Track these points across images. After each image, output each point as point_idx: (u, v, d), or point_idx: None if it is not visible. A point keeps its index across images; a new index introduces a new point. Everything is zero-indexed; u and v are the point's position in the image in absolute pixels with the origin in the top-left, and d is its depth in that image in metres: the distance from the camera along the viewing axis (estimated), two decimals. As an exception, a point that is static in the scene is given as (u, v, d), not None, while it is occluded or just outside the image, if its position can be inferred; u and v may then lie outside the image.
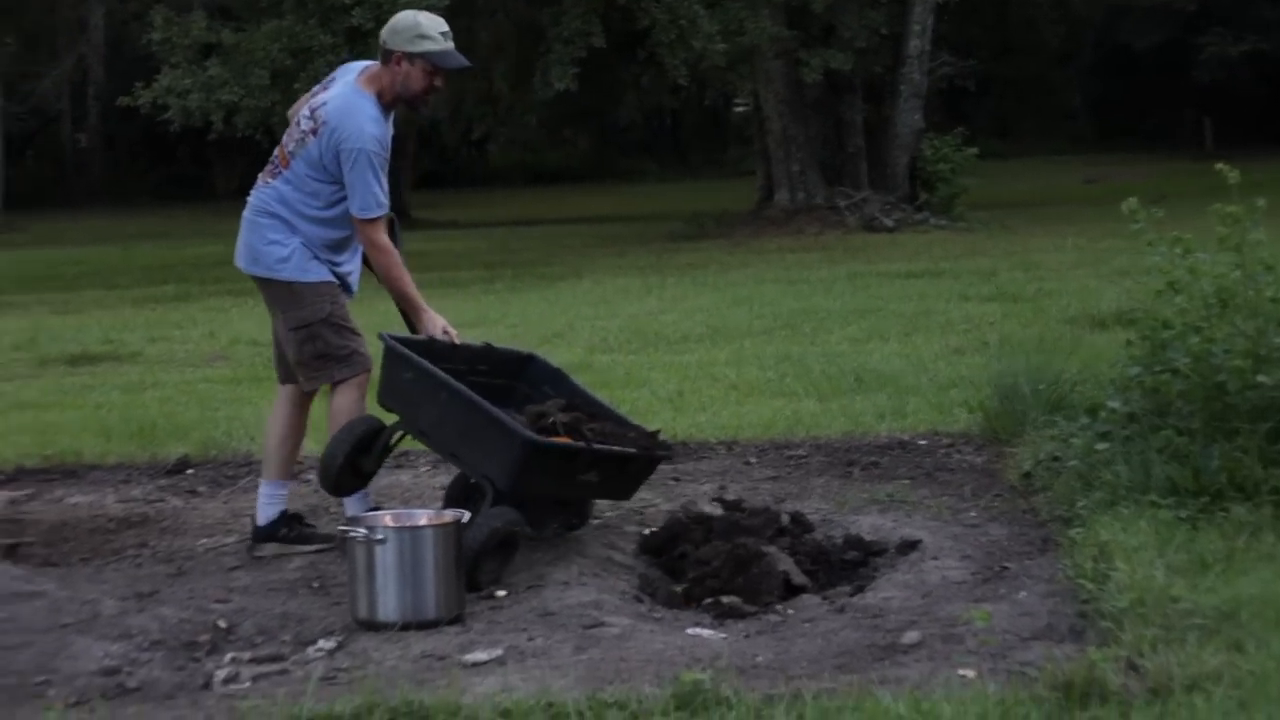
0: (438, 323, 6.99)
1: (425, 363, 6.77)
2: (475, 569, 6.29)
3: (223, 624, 6.06)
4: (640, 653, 5.50)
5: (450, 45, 6.94)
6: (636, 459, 6.91)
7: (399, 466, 8.67)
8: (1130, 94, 50.46)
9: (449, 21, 7.04)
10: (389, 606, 5.92)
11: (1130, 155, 43.70)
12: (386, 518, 6.22)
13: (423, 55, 6.85)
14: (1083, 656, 4.99)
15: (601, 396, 7.59)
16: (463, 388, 6.67)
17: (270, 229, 6.97)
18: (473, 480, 6.87)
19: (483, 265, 23.49)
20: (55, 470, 9.19)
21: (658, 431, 7.27)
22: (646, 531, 7.18)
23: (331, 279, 7.02)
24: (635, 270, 20.99)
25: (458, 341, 7.04)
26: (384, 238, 6.90)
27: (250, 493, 8.47)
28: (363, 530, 5.94)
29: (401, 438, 7.05)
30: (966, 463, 8.56)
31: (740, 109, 48.42)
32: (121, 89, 24.80)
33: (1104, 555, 5.94)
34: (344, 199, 6.87)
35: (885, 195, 27.88)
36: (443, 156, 54.06)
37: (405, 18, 6.96)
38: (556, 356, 12.60)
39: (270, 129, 24.59)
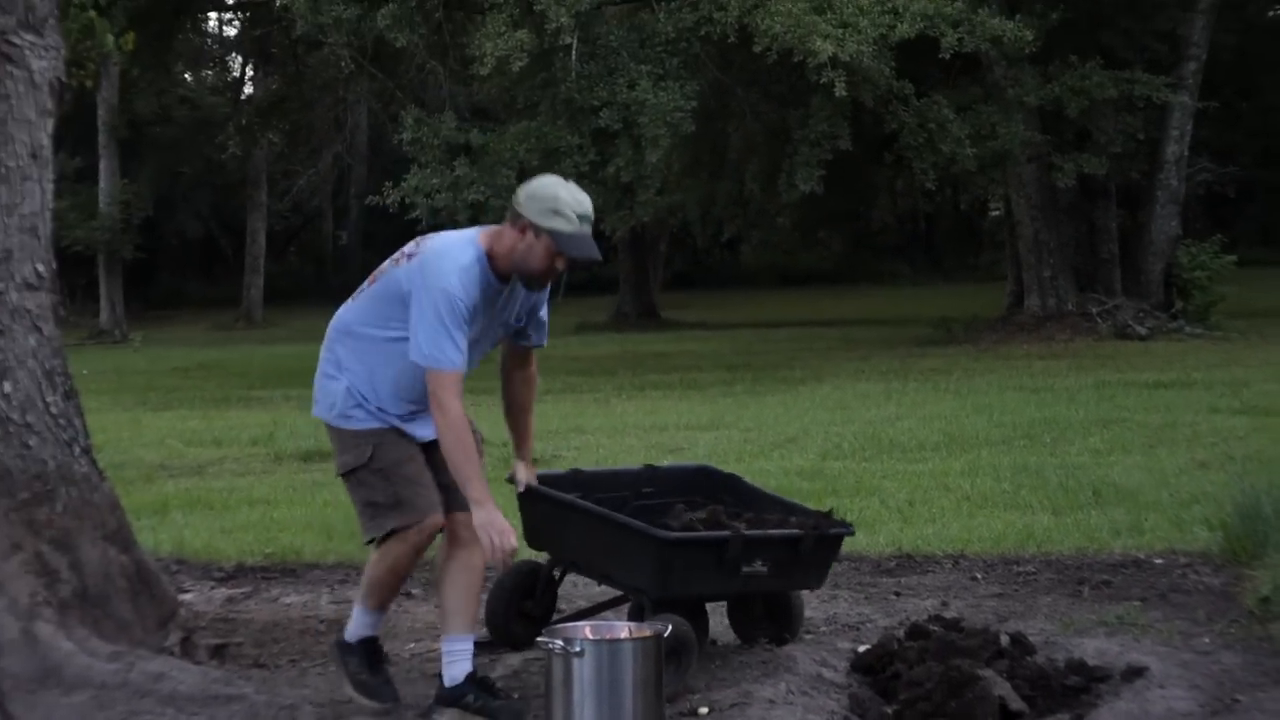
0: (494, 523, 5.88)
1: (552, 491, 6.73)
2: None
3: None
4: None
5: (586, 231, 6.07)
6: (804, 539, 6.62)
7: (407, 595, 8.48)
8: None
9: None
10: None
11: (1400, 265, 42.34)
12: (586, 629, 6.04)
13: (550, 232, 5.99)
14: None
15: (782, 494, 7.41)
16: (592, 505, 6.61)
17: (328, 363, 6.28)
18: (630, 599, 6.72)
19: (725, 367, 23.41)
20: (274, 569, 9.19)
21: (830, 510, 7.06)
22: (860, 649, 6.94)
23: (381, 426, 6.17)
24: (877, 375, 20.74)
25: (509, 554, 5.94)
26: (452, 399, 5.91)
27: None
28: (560, 642, 5.76)
29: (563, 573, 6.96)
30: (1203, 584, 8.19)
31: (994, 213, 47.93)
32: (381, 188, 25.25)
33: (1341, 691, 5.59)
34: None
35: (1139, 302, 27.28)
36: (694, 257, 54.32)
37: (547, 185, 6.14)
38: (789, 462, 12.59)
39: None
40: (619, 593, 6.92)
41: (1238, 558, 8.38)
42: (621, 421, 15.37)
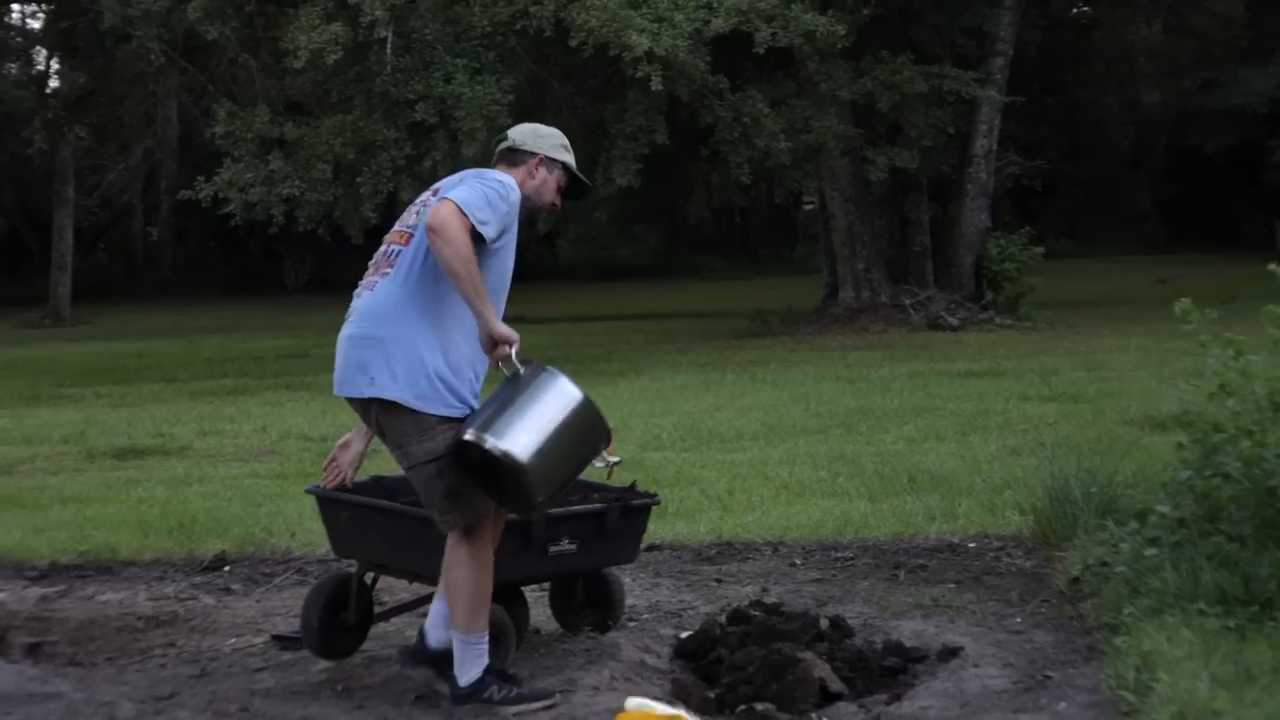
0: (500, 333, 5.92)
1: (355, 496, 6.77)
2: None
3: (240, 728, 5.92)
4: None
5: None
6: (608, 513, 6.66)
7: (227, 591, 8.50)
8: (1201, 196, 50.19)
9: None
10: None
11: (1201, 257, 43.37)
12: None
13: (564, 166, 6.32)
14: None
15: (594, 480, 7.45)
16: (391, 504, 6.66)
17: (394, 343, 5.93)
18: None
19: (543, 360, 23.31)
20: (89, 566, 9.07)
21: (633, 484, 7.12)
22: (682, 635, 7.02)
23: (460, 414, 5.99)
24: (695, 367, 20.85)
25: (514, 355, 5.97)
26: (465, 238, 5.77)
27: (285, 590, 8.39)
28: None
29: (374, 579, 6.94)
30: (1015, 567, 8.37)
31: (808, 207, 48.40)
32: (193, 183, 24.89)
33: (1147, 665, 5.74)
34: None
35: (950, 294, 27.70)
36: (512, 252, 53.98)
37: (543, 127, 6.44)
38: (608, 454, 12.60)
39: (333, 223, 24.72)
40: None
41: (1048, 540, 8.55)
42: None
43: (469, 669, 6.04)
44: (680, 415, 15.13)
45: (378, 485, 7.11)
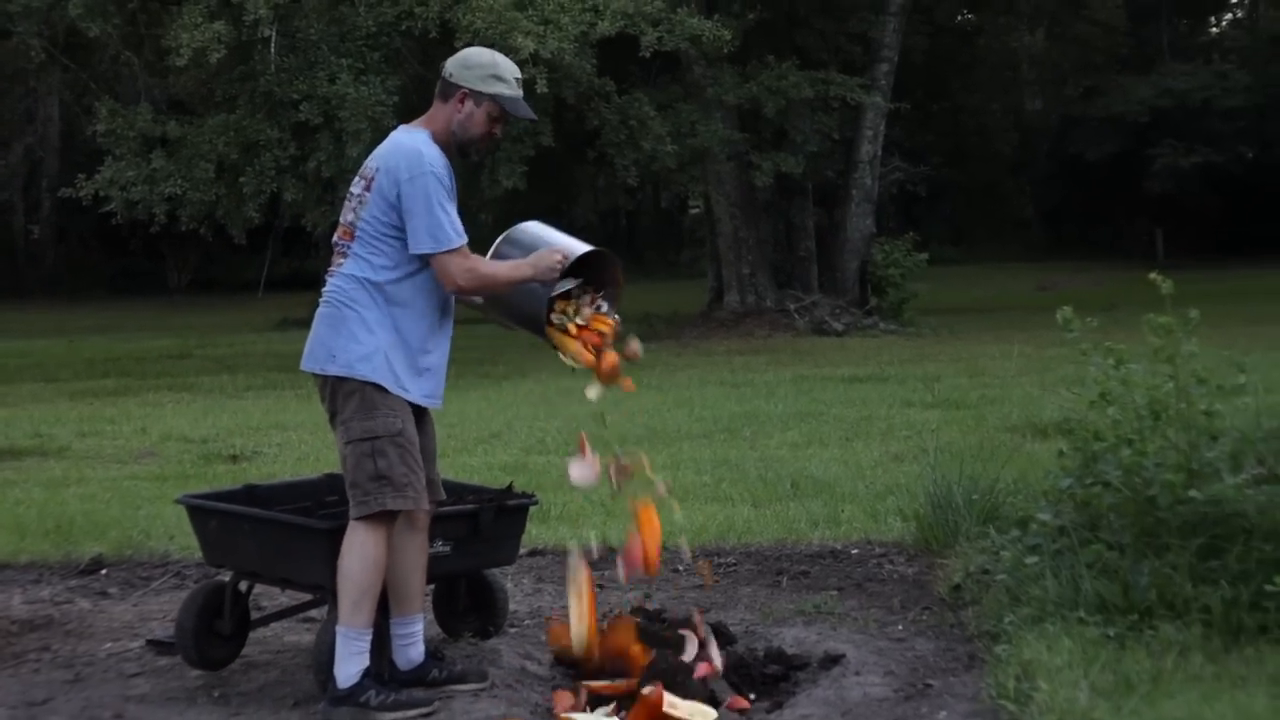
0: (546, 258, 6.18)
1: (221, 504, 6.75)
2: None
3: (114, 736, 5.82)
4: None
5: (521, 92, 6.36)
6: (481, 513, 6.62)
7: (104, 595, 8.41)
8: (1084, 203, 50.71)
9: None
10: None
11: (1083, 263, 43.84)
12: None
13: (492, 97, 6.22)
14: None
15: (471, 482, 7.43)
16: (258, 511, 6.61)
17: (353, 320, 6.03)
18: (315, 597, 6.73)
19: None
20: (-37, 570, 8.93)
21: (509, 485, 7.10)
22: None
23: (408, 400, 6.12)
24: (579, 371, 20.78)
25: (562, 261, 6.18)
26: (480, 264, 6.10)
27: (163, 594, 8.28)
28: None
29: (249, 588, 6.86)
30: (898, 573, 8.38)
31: (694, 211, 48.46)
32: (74, 181, 24.58)
33: (1027, 674, 5.76)
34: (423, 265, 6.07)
35: (835, 299, 27.85)
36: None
37: (480, 54, 6.32)
38: (493, 457, 12.58)
39: (216, 222, 24.48)
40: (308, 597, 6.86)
41: (931, 547, 8.58)
42: (324, 418, 15.07)
43: (347, 666, 5.97)
44: (564, 419, 15.08)
45: (249, 493, 7.02)
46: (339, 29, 23.18)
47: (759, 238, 28.30)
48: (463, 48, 6.33)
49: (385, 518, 6.01)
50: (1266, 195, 45.96)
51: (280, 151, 23.03)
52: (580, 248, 6.34)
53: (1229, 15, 57.60)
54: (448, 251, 6.01)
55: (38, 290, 46.53)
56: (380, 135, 23.17)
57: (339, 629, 6.00)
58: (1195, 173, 44.22)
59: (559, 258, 6.17)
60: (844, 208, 28.76)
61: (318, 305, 6.22)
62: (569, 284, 6.39)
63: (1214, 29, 56.55)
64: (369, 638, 6.03)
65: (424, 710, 5.97)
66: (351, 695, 5.96)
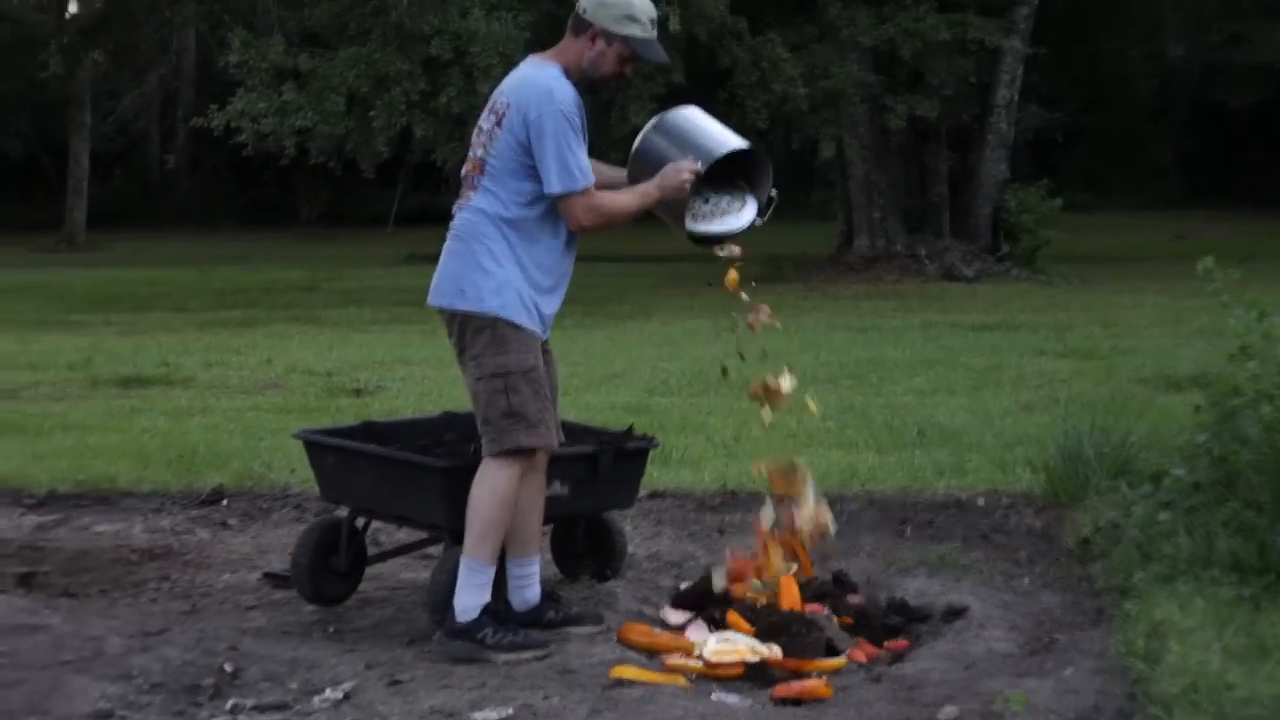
0: (673, 173, 6.14)
1: (338, 440, 6.71)
2: None
3: (229, 668, 5.79)
4: (659, 719, 5.19)
5: (655, 34, 6.16)
6: (601, 455, 6.51)
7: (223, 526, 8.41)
8: (1223, 152, 49.82)
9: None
10: None
11: (1221, 214, 43.02)
12: None
13: (624, 38, 6.06)
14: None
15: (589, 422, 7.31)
16: (375, 447, 6.55)
17: (483, 255, 5.97)
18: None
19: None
20: (87, 496, 8.97)
21: (630, 427, 6.99)
22: (682, 586, 6.86)
23: (539, 333, 6.08)
24: (705, 312, 20.60)
25: (699, 168, 6.16)
26: (605, 202, 6.05)
27: (282, 527, 8.27)
28: None
29: (365, 524, 6.81)
30: (1025, 525, 8.21)
31: (826, 153, 48.09)
32: (207, 111, 24.71)
33: (1157, 634, 5.58)
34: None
35: (967, 245, 27.46)
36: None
37: None
38: (615, 397, 12.49)
39: (345, 156, 24.51)
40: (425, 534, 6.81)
41: (1059, 499, 8.40)
42: (447, 353, 14.97)
43: (467, 597, 5.96)
44: (688, 360, 14.96)
45: (368, 430, 6.96)
46: (472, -37, 23.06)
47: (890, 181, 27.96)
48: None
49: (520, 454, 5.95)
50: None
51: (411, 86, 22.95)
52: (724, 146, 6.26)
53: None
54: (573, 193, 5.93)
55: (170, 220, 46.93)
56: (510, 70, 23.06)
57: (463, 559, 5.97)
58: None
59: (687, 175, 6.12)
60: (978, 153, 28.33)
61: (445, 240, 6.15)
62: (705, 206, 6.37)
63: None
64: (492, 572, 6.01)
65: (540, 652, 5.93)
66: (469, 630, 5.93)
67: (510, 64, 21.64)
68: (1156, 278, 24.36)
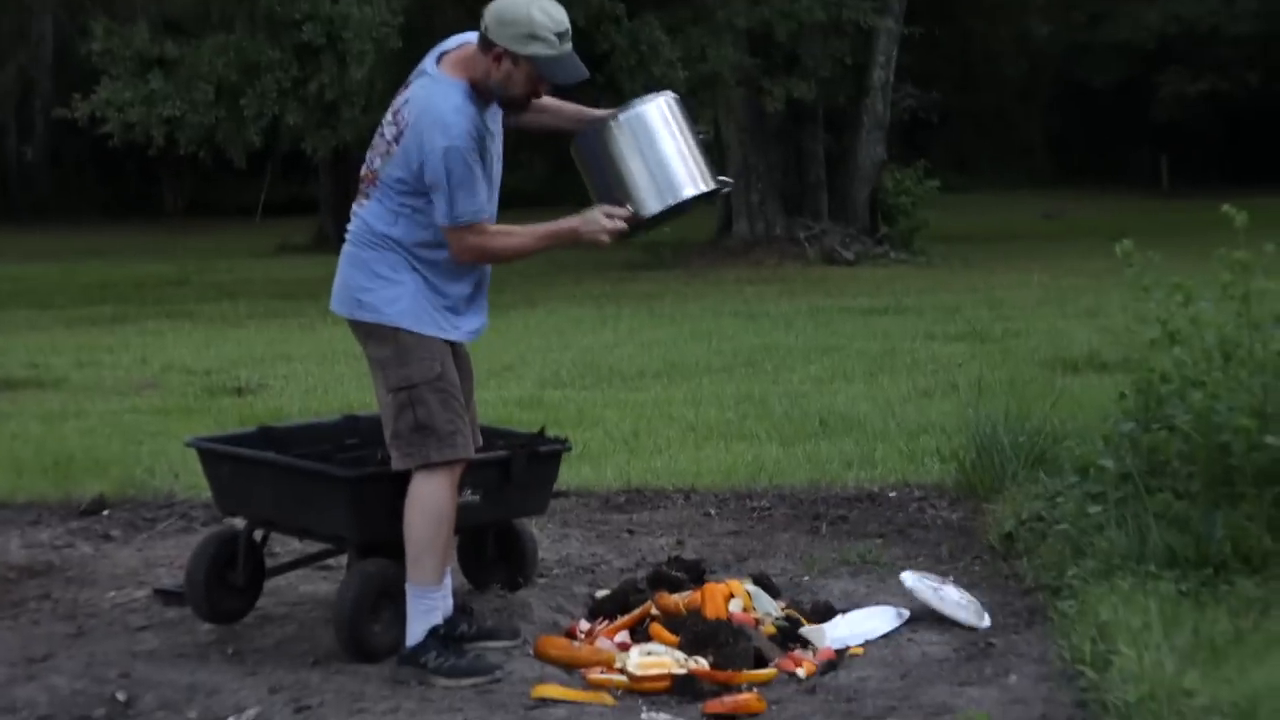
0: (593, 219, 5.78)
1: (236, 449, 6.34)
2: (363, 632, 5.73)
3: (121, 697, 5.43)
4: (588, 742, 4.90)
5: (567, 49, 5.64)
6: (513, 460, 6.16)
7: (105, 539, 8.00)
8: (1089, 130, 50.17)
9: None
10: None
11: (1087, 191, 43.31)
12: None
13: (530, 59, 5.63)
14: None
15: (498, 425, 6.99)
16: (276, 456, 6.20)
17: (376, 263, 5.69)
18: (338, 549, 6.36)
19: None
20: (-43, 509, 8.51)
21: (541, 430, 6.65)
22: (598, 594, 6.56)
23: (446, 339, 5.76)
24: (590, 300, 20.38)
25: (624, 220, 5.77)
26: (491, 240, 5.67)
27: (169, 538, 7.87)
28: None
29: (264, 536, 6.46)
30: (941, 519, 7.98)
31: (701, 137, 47.89)
32: (69, 102, 24.07)
33: (1104, 636, 5.35)
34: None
35: (845, 227, 27.37)
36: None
37: (517, 7, 5.60)
38: (507, 392, 12.17)
39: (215, 146, 23.95)
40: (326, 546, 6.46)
41: (975, 491, 8.18)
42: (330, 349, 14.72)
43: (415, 625, 5.67)
44: (578, 351, 14.67)
45: (265, 436, 6.58)
46: (342, -55, 22.56)
47: (769, 164, 27.79)
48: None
49: (444, 468, 5.64)
50: (1270, 123, 45.44)
51: (282, 73, 22.41)
52: (676, 191, 5.84)
53: (1238, -59, 56.88)
54: (458, 228, 5.59)
55: (29, 214, 45.91)
56: (384, 57, 22.52)
57: (407, 585, 5.68)
58: (1201, 100, 43.72)
59: (607, 236, 5.76)
60: (855, 134, 28.26)
61: (324, 232, 5.83)
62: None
63: (1223, -46, 55.85)
64: (439, 594, 5.71)
65: (481, 679, 5.60)
66: (414, 655, 5.65)
67: (383, 48, 21.43)
68: (1034, 256, 24.32)
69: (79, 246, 34.53)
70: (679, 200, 5.83)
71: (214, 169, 32.70)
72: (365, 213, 5.76)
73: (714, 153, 31.71)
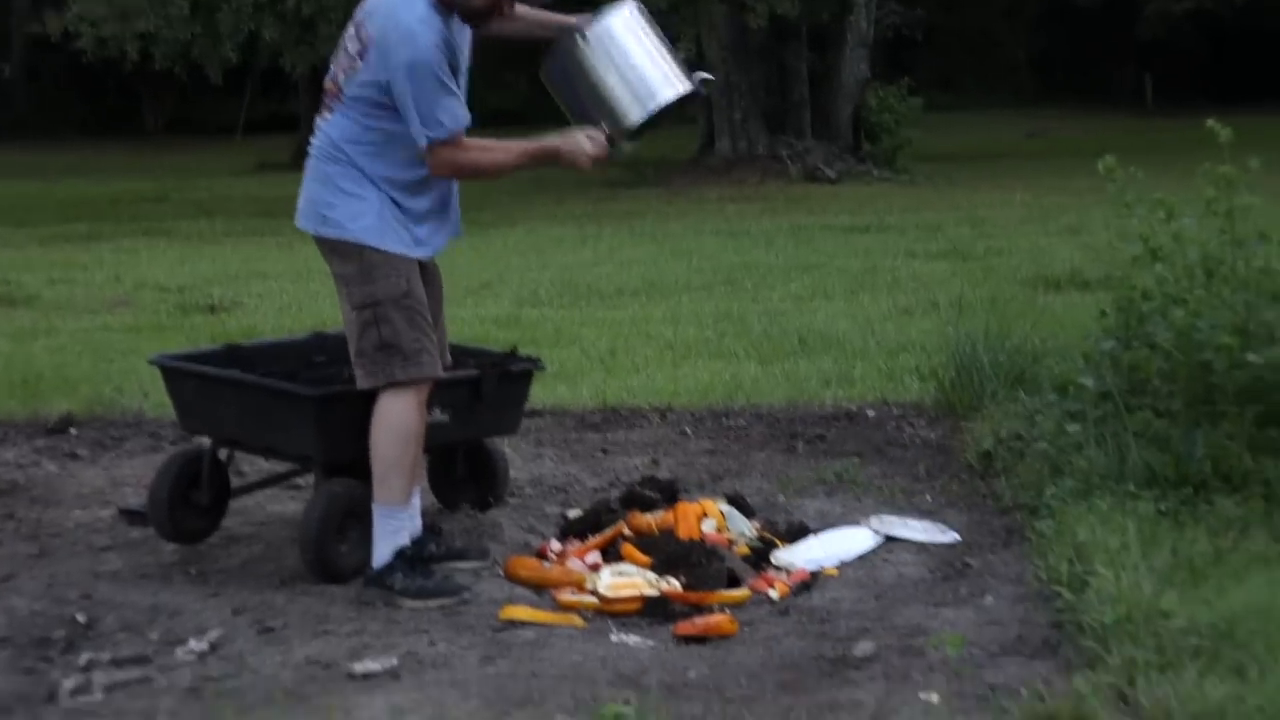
0: (576, 140, 5.67)
1: (200, 367, 6.22)
2: (329, 553, 5.63)
3: (82, 618, 5.32)
4: (556, 665, 4.81)
5: None
6: (483, 379, 6.06)
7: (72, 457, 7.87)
8: (1073, 48, 49.91)
9: None
10: None
11: (1071, 110, 43.10)
12: None
13: None
14: (1065, 684, 4.35)
15: (474, 343, 6.88)
16: (240, 374, 6.07)
17: (340, 178, 5.58)
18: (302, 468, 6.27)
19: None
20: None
21: (513, 349, 6.55)
22: (570, 514, 6.47)
23: (412, 256, 5.65)
24: (571, 219, 20.22)
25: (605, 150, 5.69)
26: (467, 154, 5.55)
27: (136, 457, 7.77)
28: None
29: (229, 455, 6.36)
30: (919, 438, 7.88)
31: (683, 55, 47.62)
32: (44, 17, 23.81)
33: (1081, 557, 5.25)
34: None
35: (828, 146, 27.17)
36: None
37: None
38: (484, 310, 12.06)
39: (191, 62, 23.71)
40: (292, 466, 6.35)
41: (954, 410, 8.09)
42: (306, 266, 14.54)
43: (381, 546, 5.57)
44: (557, 269, 14.55)
45: (230, 354, 6.46)
46: None
47: (751, 82, 27.54)
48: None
49: (410, 387, 5.54)
50: (1254, 41, 45.23)
51: (258, -11, 22.24)
52: (654, 97, 5.75)
53: None
54: (436, 142, 5.47)
55: (8, 131, 45.58)
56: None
57: (374, 505, 5.58)
58: (1186, 18, 43.48)
59: (587, 158, 5.65)
60: (838, 52, 28.02)
61: (304, 150, 5.71)
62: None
63: None
64: (406, 514, 5.61)
65: (448, 600, 5.50)
66: (380, 577, 5.55)
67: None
68: (1017, 175, 24.15)
69: (57, 164, 34.25)
70: (659, 105, 5.73)
71: (193, 87, 32.48)
72: (329, 126, 5.63)
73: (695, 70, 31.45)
